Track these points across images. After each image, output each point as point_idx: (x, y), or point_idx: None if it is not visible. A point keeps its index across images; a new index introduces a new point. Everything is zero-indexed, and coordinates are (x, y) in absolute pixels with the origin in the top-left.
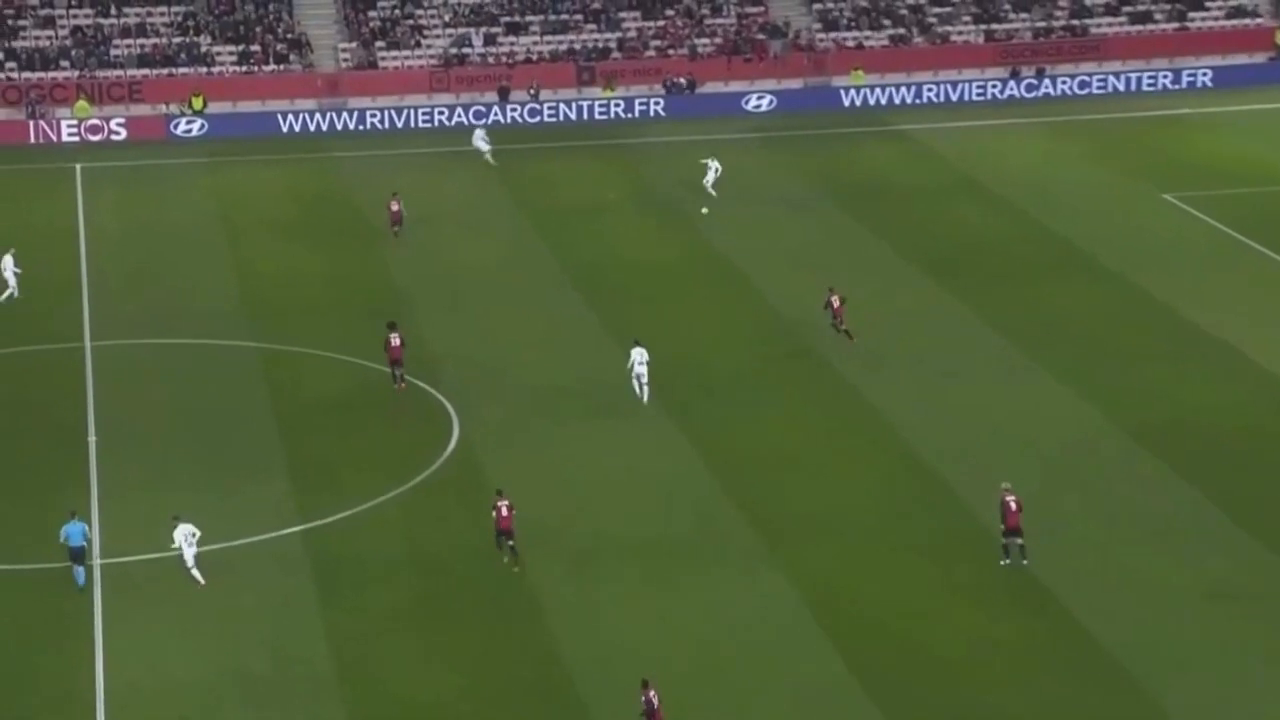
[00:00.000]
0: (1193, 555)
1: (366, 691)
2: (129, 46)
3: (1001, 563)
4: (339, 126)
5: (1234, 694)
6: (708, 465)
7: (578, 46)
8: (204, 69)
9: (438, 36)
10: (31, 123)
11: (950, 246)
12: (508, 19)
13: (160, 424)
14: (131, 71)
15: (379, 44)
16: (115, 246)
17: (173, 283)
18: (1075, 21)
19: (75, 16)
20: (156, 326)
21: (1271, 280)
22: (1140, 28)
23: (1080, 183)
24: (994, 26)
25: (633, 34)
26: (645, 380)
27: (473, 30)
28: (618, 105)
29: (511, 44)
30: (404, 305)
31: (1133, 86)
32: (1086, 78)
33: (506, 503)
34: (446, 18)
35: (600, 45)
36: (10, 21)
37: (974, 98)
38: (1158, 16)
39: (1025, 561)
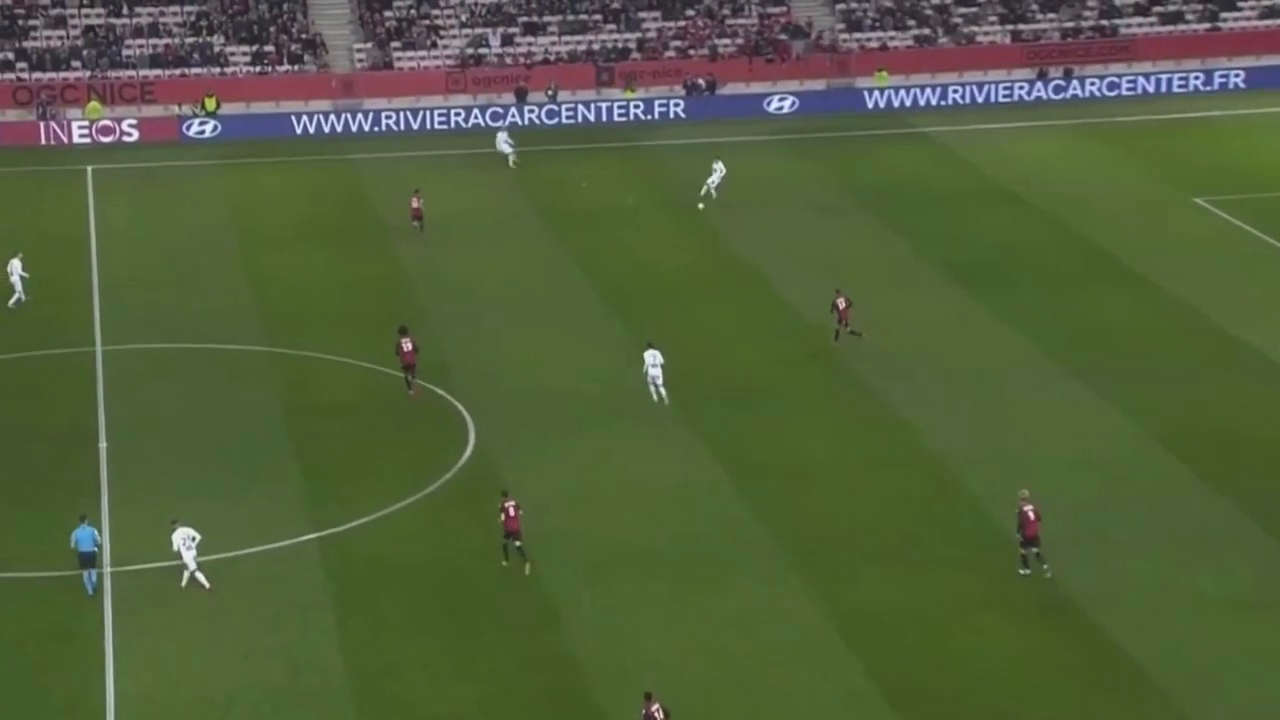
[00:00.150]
0: (1225, 566)
1: (382, 702)
2: (141, 46)
3: (1020, 572)
4: (354, 128)
5: (1267, 707)
6: (728, 472)
7: (596, 47)
8: (217, 69)
9: (454, 37)
10: (42, 124)
11: (976, 251)
12: (525, 19)
13: (172, 430)
14: (144, 72)
15: (394, 44)
16: (126, 250)
17: (185, 287)
18: (1104, 22)
19: (87, 16)
20: (168, 331)
21: None
22: (1171, 28)
23: (1109, 187)
24: (1021, 27)
25: (653, 34)
26: (660, 383)
27: (490, 30)
28: (637, 107)
29: (529, 44)
30: (418, 309)
31: (1163, 88)
32: (1116, 79)
33: (514, 503)
34: (463, 18)
35: (620, 46)
36: (21, 21)
37: (1000, 99)
38: (1189, 16)
39: (1046, 568)
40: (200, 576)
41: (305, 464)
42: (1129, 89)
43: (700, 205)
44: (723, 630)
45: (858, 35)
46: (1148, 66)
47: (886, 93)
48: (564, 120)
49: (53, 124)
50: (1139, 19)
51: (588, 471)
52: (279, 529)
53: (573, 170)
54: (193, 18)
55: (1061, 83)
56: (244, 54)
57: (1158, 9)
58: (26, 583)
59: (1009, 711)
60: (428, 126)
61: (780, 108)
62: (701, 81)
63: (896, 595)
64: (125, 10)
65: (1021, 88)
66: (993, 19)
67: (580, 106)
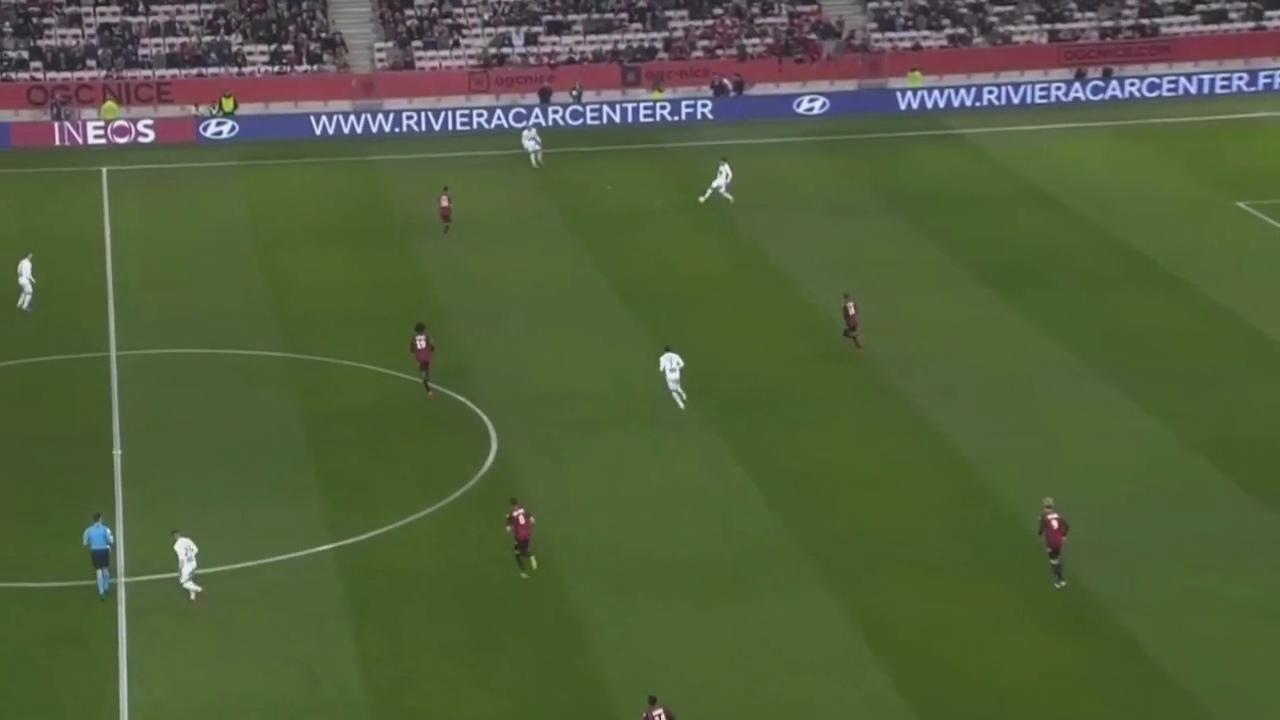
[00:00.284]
0: (1260, 576)
1: (399, 714)
2: (157, 46)
3: (1057, 585)
4: (374, 129)
5: None
6: (754, 480)
7: (622, 46)
8: (235, 69)
9: (477, 36)
10: (57, 124)
11: (1012, 255)
12: (549, 18)
13: (188, 437)
14: (160, 72)
15: (416, 44)
16: (142, 252)
17: (201, 290)
18: (1145, 21)
19: (102, 14)
20: (184, 335)
21: None
22: (1214, 27)
23: (1149, 189)
24: (1058, 26)
25: (680, 34)
26: (679, 386)
27: (513, 29)
28: (663, 108)
29: (553, 44)
30: (439, 311)
31: (1205, 89)
32: (1156, 79)
33: (523, 510)
34: (486, 16)
35: (646, 45)
36: (36, 20)
37: (1037, 100)
38: (1232, 15)
39: (1063, 582)
40: (191, 586)
41: (323, 471)
42: (1170, 90)
43: (701, 199)
44: (748, 642)
45: (890, 35)
46: (1189, 67)
47: (920, 94)
48: (589, 121)
49: (67, 124)
50: (1180, 18)
51: (609, 477)
52: (296, 537)
53: (598, 172)
54: (210, 16)
55: (1100, 83)
56: (262, 53)
57: (1200, 8)
58: (39, 590)
59: None
60: (449, 127)
61: (810, 109)
62: (727, 82)
63: (927, 606)
64: (141, 8)
65: (1059, 89)
66: (1029, 18)
67: (605, 107)
